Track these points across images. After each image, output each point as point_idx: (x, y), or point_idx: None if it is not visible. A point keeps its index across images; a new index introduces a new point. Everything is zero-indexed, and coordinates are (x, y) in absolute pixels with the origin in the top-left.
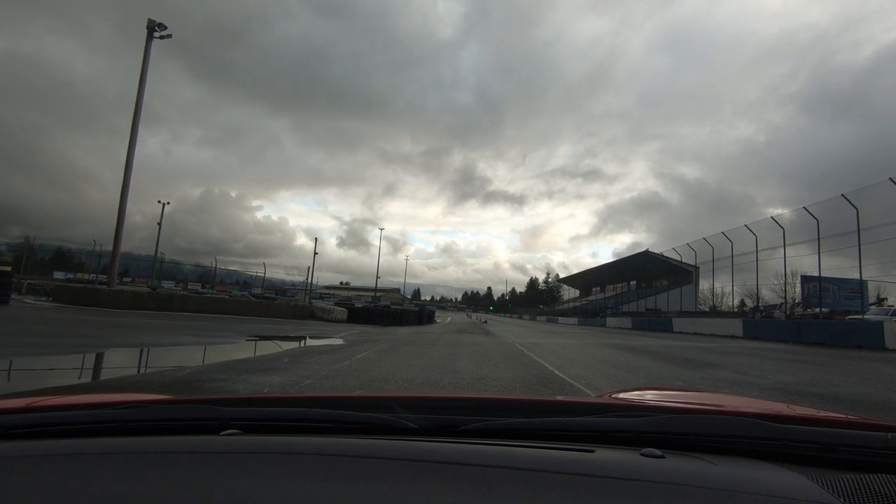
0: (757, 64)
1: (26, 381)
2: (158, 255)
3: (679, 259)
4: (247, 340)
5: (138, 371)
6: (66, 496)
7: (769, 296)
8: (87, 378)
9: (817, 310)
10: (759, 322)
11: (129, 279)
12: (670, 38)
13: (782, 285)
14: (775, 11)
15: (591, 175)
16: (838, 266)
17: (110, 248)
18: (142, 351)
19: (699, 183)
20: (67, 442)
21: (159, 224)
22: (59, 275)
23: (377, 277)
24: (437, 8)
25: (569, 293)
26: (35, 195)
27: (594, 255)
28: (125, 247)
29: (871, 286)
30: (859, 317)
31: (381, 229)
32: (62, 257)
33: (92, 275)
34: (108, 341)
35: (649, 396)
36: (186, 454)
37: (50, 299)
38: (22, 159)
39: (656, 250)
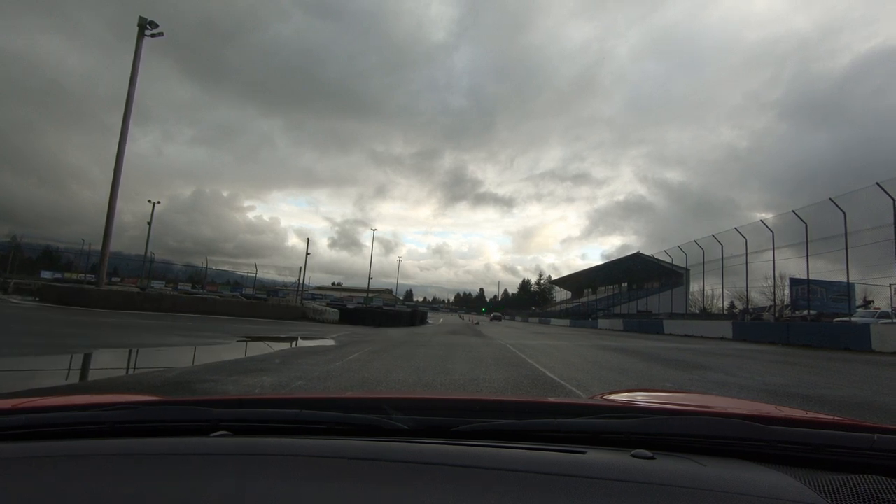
0: (740, 71)
1: (11, 382)
2: (148, 254)
3: (670, 261)
4: (237, 341)
5: (127, 372)
6: (54, 498)
7: (758, 298)
8: (74, 379)
9: (805, 312)
10: (748, 324)
11: (119, 279)
12: (657, 45)
13: (771, 288)
14: (760, 19)
15: (580, 178)
16: (824, 269)
17: (99, 247)
18: (130, 351)
19: (683, 187)
20: (55, 444)
21: (149, 223)
22: (46, 274)
23: (369, 278)
24: (431, 11)
25: (561, 295)
26: (23, 193)
27: (584, 256)
28: (115, 246)
29: (857, 289)
30: (847, 319)
31: (374, 230)
32: (50, 256)
33: (80, 274)
34: (95, 341)
35: (640, 398)
36: (176, 456)
37: (37, 299)
38: (10, 156)
39: (646, 253)
